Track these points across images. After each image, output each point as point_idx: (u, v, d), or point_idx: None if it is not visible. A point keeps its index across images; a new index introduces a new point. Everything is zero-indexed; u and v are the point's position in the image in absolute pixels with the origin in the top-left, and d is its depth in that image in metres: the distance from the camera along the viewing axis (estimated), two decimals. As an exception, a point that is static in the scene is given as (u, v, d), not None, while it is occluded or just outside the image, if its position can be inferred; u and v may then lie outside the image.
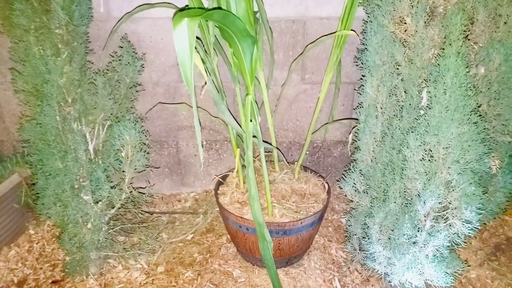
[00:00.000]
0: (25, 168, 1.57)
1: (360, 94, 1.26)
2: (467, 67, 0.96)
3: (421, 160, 1.07)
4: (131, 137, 1.30)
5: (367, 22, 1.17)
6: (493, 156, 1.14)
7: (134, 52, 1.39)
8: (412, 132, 1.08)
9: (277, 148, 1.54)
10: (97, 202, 1.38)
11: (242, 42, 1.00)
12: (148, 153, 1.37)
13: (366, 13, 1.19)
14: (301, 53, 1.56)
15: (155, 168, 1.94)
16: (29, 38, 1.16)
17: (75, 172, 1.34)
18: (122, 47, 1.38)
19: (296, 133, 1.85)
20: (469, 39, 1.04)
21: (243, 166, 1.51)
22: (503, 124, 1.10)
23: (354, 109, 1.32)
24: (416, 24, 1.06)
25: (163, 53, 1.65)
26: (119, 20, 1.39)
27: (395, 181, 1.16)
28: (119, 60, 1.35)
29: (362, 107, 1.28)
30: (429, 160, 1.05)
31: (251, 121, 1.14)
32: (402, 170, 1.12)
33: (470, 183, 1.03)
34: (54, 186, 1.33)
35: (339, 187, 1.39)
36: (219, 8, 1.09)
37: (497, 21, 0.98)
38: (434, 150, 1.03)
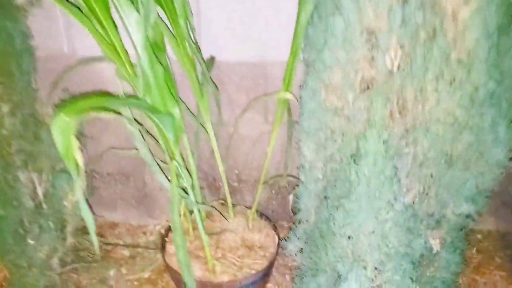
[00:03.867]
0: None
1: (299, 155, 1.21)
2: (387, 152, 0.89)
3: (348, 239, 1.01)
4: (71, 188, 1.29)
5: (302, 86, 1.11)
6: (433, 235, 1.07)
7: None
8: (340, 207, 1.02)
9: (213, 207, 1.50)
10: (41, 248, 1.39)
11: (161, 119, 0.96)
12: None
13: (305, 74, 1.13)
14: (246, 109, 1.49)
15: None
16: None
17: (20, 218, 1.35)
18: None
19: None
20: (402, 115, 0.97)
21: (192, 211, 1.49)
22: (442, 205, 1.03)
23: (297, 168, 1.26)
24: (345, 97, 1.00)
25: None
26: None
27: (327, 255, 1.10)
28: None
29: (303, 167, 1.23)
30: (355, 243, 0.99)
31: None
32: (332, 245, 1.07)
33: (398, 269, 0.97)
34: (-3, 233, 1.34)
35: (280, 247, 1.35)
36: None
37: (424, 101, 0.90)
38: (356, 235, 0.97)
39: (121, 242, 1.89)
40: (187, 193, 1.17)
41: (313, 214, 1.23)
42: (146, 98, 0.98)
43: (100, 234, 1.93)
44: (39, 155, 1.32)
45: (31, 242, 1.37)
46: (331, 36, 0.95)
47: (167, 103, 1.01)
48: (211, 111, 1.43)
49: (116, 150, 1.46)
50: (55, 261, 1.47)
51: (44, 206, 1.41)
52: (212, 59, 1.48)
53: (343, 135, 1.05)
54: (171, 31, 1.17)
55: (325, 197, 1.15)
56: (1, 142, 1.24)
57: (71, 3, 0.99)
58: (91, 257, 1.69)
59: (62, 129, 0.73)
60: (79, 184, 0.78)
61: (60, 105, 0.74)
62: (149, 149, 1.14)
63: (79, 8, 0.97)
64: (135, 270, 1.74)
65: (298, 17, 1.12)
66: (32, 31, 1.43)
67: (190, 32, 1.20)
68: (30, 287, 1.42)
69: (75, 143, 0.77)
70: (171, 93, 1.03)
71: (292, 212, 1.33)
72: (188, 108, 1.42)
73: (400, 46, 0.87)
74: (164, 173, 1.18)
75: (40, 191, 1.39)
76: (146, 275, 1.72)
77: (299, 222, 1.28)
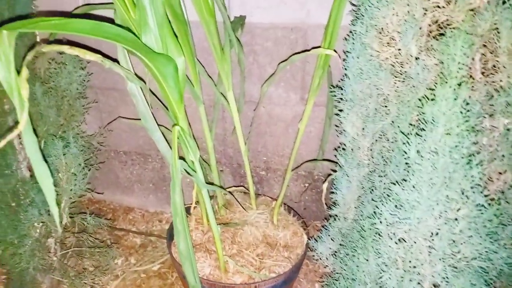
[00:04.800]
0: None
1: (340, 133, 0.94)
2: (467, 121, 0.61)
3: (396, 243, 0.74)
4: (66, 158, 1.10)
5: (347, 38, 0.85)
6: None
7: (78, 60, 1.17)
8: (391, 198, 0.74)
9: (227, 191, 1.26)
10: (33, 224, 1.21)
11: (157, 64, 0.74)
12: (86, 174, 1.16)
13: (351, 25, 0.86)
14: (273, 73, 1.23)
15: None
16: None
17: (12, 189, 1.18)
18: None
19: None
20: (486, 75, 0.69)
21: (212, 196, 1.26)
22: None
23: (335, 149, 1.00)
24: (407, 47, 0.72)
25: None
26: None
27: (368, 261, 0.83)
28: (62, 66, 1.15)
29: (343, 149, 0.96)
30: (408, 248, 0.72)
31: (181, 158, 0.88)
32: (376, 250, 0.80)
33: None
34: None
35: (309, 248, 1.09)
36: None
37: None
38: (411, 237, 0.69)
39: (133, 229, 1.70)
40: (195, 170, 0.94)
41: (353, 209, 0.96)
42: (142, 37, 0.76)
43: (113, 219, 1.76)
44: (34, 117, 1.15)
45: (22, 217, 1.20)
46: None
47: (169, 48, 0.79)
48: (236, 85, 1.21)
49: (125, 120, 1.26)
50: (52, 242, 1.30)
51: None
52: (241, 18, 1.25)
53: (400, 103, 0.78)
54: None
55: (370, 188, 0.88)
56: (-8, 98, 1.07)
57: None
58: (96, 242, 1.51)
59: (2, 48, 0.52)
60: (24, 119, 0.57)
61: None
62: (151, 113, 0.92)
63: None
64: (144, 261, 1.54)
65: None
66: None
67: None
68: (21, 267, 1.25)
69: (24, 73, 0.56)
70: (176, 38, 0.81)
71: (326, 205, 1.06)
72: (209, 75, 1.19)
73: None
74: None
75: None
76: (155, 267, 1.51)
77: (334, 219, 1.02)
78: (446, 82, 0.61)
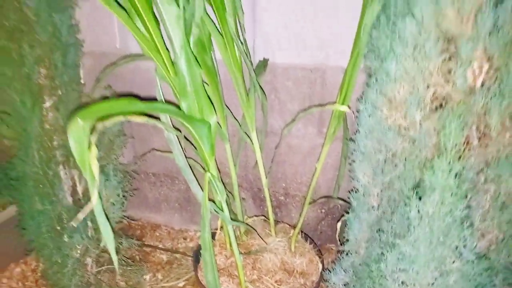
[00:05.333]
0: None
1: (352, 178, 1.05)
2: (460, 190, 0.71)
3: (401, 285, 0.84)
4: (106, 190, 1.24)
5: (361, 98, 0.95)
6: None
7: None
8: (395, 247, 0.85)
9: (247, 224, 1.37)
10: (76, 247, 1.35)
11: (194, 127, 0.86)
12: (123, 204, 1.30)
13: (365, 84, 0.97)
14: (294, 120, 1.34)
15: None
16: (11, 86, 1.15)
17: (57, 213, 1.32)
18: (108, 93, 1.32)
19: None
20: (480, 145, 0.78)
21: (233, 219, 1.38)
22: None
23: (349, 191, 1.10)
24: (412, 115, 0.83)
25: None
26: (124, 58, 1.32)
27: (374, 299, 0.94)
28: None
29: (356, 192, 1.06)
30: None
31: (210, 200, 1.00)
32: (381, 289, 0.90)
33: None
34: (34, 227, 1.32)
35: (324, 279, 1.19)
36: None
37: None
38: (412, 283, 0.79)
39: (160, 246, 1.84)
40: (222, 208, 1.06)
41: (364, 247, 1.06)
42: (182, 102, 0.88)
43: (141, 235, 1.90)
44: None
45: (66, 239, 1.34)
46: (399, 42, 0.79)
47: (204, 109, 0.91)
48: (259, 119, 1.32)
49: (158, 152, 1.39)
50: (89, 261, 1.44)
51: (83, 204, 1.37)
52: (264, 61, 1.36)
53: (405, 160, 0.88)
54: (218, 30, 1.06)
55: (379, 230, 0.98)
56: (43, 137, 1.22)
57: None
58: (127, 258, 1.65)
59: (77, 135, 0.65)
60: (95, 196, 0.70)
61: (79, 109, 0.65)
62: (184, 155, 1.05)
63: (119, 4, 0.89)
64: (170, 277, 1.67)
65: (361, 18, 0.97)
66: (86, 26, 1.42)
67: (240, 31, 1.08)
68: (63, 283, 1.39)
69: (93, 151, 0.69)
70: (209, 99, 0.93)
71: (339, 241, 1.17)
72: (233, 116, 1.31)
73: (488, 58, 0.69)
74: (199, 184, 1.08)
75: (80, 189, 1.36)
76: (180, 284, 1.64)
77: (347, 254, 1.12)
78: (442, 157, 0.71)
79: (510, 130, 0.73)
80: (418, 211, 0.75)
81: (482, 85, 0.74)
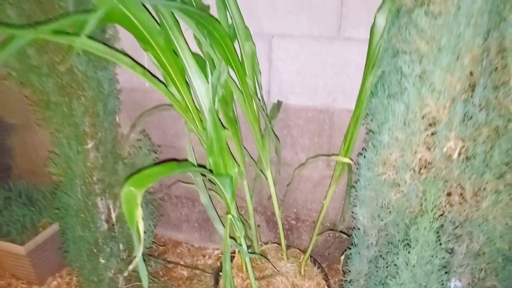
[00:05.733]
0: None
1: (354, 218, 1.21)
2: (440, 242, 0.87)
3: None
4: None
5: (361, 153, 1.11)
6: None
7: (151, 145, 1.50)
8: (386, 286, 1.01)
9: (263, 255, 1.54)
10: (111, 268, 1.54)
11: (219, 180, 1.03)
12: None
13: (365, 142, 1.13)
14: (304, 164, 1.51)
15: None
16: (60, 132, 1.33)
17: (95, 238, 1.51)
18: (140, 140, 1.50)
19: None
20: (452, 203, 0.93)
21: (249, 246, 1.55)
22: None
23: (352, 229, 1.26)
24: (402, 175, 0.98)
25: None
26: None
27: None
28: (139, 149, 1.47)
29: (357, 230, 1.22)
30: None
31: (231, 237, 1.17)
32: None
33: None
34: (75, 250, 1.51)
35: (328, 303, 1.35)
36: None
37: (482, 198, 0.86)
38: (400, 318, 0.95)
39: (181, 262, 2.02)
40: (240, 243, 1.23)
41: (364, 278, 1.22)
42: (209, 158, 1.05)
43: (163, 252, 2.08)
44: (116, 185, 1.47)
45: (102, 261, 1.53)
46: (392, 115, 0.95)
47: (227, 164, 1.08)
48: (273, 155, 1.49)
49: (183, 183, 1.56)
50: (121, 279, 1.62)
51: (116, 230, 1.56)
52: (279, 103, 1.53)
53: (398, 209, 1.04)
54: (239, 88, 1.23)
55: (376, 266, 1.14)
56: (85, 173, 1.40)
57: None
58: (153, 278, 1.83)
59: (129, 199, 0.82)
60: (140, 250, 0.86)
61: (129, 177, 0.83)
62: (209, 198, 1.22)
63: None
64: (191, 293, 1.85)
65: (363, 83, 1.12)
66: (118, 67, 1.59)
67: (258, 90, 1.25)
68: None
69: (139, 213, 0.86)
70: (232, 155, 1.10)
71: (343, 272, 1.33)
72: (250, 156, 1.48)
73: (461, 139, 0.84)
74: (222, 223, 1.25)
75: (114, 216, 1.54)
76: (201, 299, 1.82)
77: (349, 282, 1.28)
78: (424, 216, 0.87)
79: (480, 198, 0.88)
80: (403, 259, 0.91)
81: (459, 155, 0.89)
